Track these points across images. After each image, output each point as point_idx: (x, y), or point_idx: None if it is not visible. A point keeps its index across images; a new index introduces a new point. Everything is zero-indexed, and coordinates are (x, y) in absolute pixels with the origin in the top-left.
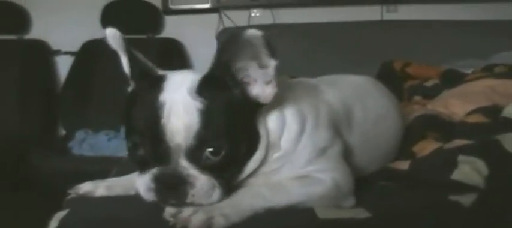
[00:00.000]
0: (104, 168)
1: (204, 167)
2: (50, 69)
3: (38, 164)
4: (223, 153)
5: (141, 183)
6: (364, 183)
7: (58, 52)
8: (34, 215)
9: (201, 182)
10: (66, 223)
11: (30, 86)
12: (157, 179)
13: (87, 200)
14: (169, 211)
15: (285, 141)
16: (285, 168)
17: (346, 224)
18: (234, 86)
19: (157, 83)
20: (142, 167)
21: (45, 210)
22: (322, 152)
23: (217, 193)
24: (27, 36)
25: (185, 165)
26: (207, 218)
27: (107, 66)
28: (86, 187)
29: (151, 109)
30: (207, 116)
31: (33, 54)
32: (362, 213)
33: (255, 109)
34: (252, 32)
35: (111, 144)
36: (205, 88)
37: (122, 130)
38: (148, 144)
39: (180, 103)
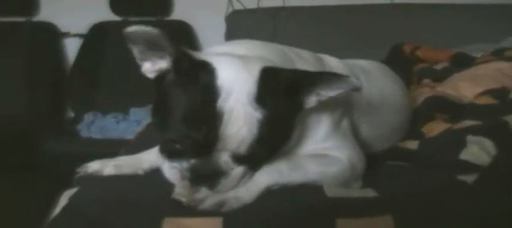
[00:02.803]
0: (112, 150)
1: (243, 162)
2: (58, 51)
3: (47, 146)
4: (265, 153)
5: (171, 171)
6: (373, 162)
7: (67, 34)
8: (42, 197)
9: (235, 172)
10: (76, 201)
11: (38, 69)
12: (193, 170)
13: (96, 178)
14: (179, 191)
15: (310, 119)
16: (306, 143)
17: (354, 203)
18: (290, 97)
19: (210, 80)
20: (172, 155)
21: (54, 193)
22: (337, 125)
23: (245, 180)
24: (35, 19)
25: (226, 160)
26: (220, 200)
27: (115, 49)
28: (94, 166)
29: (206, 114)
30: (263, 128)
31: (42, 37)
32: (369, 193)
33: (297, 111)
34: (353, 81)
35: (120, 126)
36: (264, 95)
37: (132, 112)
38: (193, 144)
39: (240, 113)
